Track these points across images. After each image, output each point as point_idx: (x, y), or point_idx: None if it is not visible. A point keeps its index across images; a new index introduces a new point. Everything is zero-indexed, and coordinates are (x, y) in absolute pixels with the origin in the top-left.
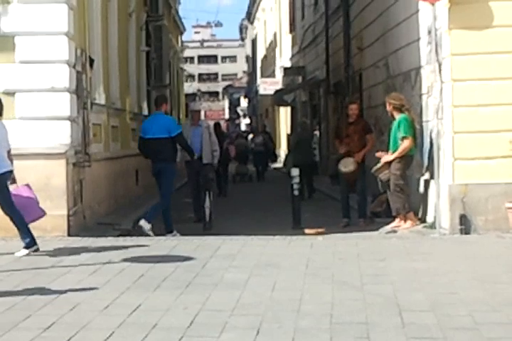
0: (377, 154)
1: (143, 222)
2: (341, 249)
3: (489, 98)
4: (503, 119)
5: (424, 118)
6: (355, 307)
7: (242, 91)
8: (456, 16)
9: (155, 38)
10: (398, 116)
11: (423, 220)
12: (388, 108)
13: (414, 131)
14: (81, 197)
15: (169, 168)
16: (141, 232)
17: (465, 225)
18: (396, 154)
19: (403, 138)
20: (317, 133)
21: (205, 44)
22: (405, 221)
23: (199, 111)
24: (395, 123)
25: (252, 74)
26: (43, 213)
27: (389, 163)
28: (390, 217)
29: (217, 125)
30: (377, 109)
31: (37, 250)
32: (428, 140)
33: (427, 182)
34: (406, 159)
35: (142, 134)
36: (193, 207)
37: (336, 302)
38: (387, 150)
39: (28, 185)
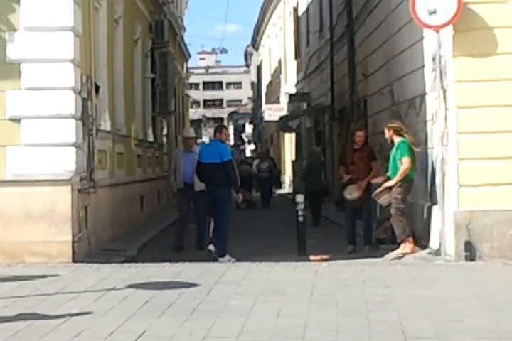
0: (374, 180)
1: (221, 259)
2: (346, 275)
3: (494, 125)
4: (508, 146)
5: (428, 145)
6: (360, 334)
7: (247, 118)
8: (460, 43)
9: (160, 65)
10: (397, 140)
11: (425, 246)
12: (388, 134)
13: (413, 153)
14: (86, 223)
15: (222, 193)
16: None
17: (470, 252)
18: (397, 177)
19: (401, 159)
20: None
21: (210, 70)
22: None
23: (192, 138)
24: (394, 147)
25: (257, 100)
26: None
27: (389, 188)
28: (394, 243)
29: None
30: (382, 136)
31: None
32: (433, 166)
33: (431, 209)
34: (407, 183)
35: (199, 159)
36: (176, 235)
37: (341, 329)
38: (386, 176)
39: None
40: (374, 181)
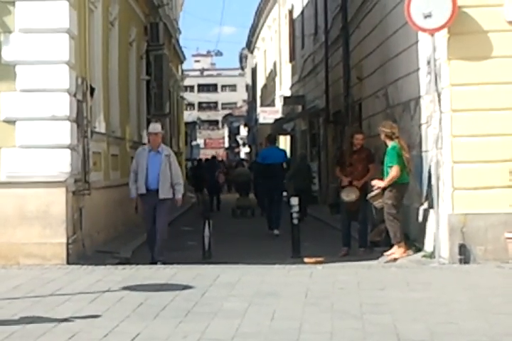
0: (373, 182)
1: (276, 231)
2: (341, 278)
3: (488, 128)
4: (503, 149)
5: (423, 148)
6: (355, 336)
7: (241, 120)
8: (455, 47)
9: (155, 67)
10: (389, 145)
11: (419, 249)
12: (382, 137)
13: (403, 159)
14: (80, 225)
15: (280, 185)
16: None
17: (464, 255)
18: (385, 183)
19: (390, 167)
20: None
21: (205, 73)
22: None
23: (158, 134)
24: (386, 152)
25: (251, 103)
26: None
27: (383, 192)
28: (389, 246)
29: (213, 158)
30: (377, 139)
31: None
32: (427, 169)
33: (426, 212)
34: (398, 188)
35: (262, 161)
36: (148, 246)
37: (336, 332)
38: (382, 179)
39: None
40: (374, 183)
